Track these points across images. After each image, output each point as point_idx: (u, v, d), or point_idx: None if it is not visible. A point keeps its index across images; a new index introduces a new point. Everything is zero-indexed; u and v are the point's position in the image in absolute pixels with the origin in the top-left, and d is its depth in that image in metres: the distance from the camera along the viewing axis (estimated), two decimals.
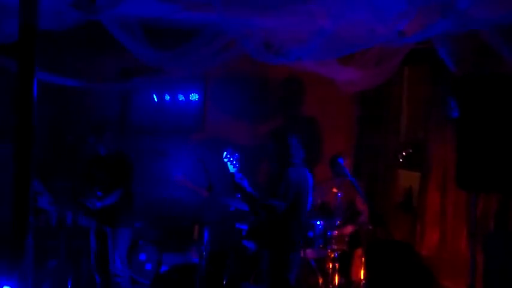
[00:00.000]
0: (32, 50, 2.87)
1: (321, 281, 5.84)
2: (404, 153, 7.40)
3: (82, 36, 5.56)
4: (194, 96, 7.71)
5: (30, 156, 2.85)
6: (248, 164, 6.46)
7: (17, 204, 2.82)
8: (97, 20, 4.53)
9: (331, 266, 5.85)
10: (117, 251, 5.85)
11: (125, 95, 7.77)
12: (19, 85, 2.85)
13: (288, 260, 4.75)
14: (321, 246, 5.88)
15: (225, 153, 4.68)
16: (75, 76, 5.88)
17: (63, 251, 6.20)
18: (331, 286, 5.84)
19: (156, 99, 7.70)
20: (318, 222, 5.88)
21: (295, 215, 4.77)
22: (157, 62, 5.11)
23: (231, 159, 4.67)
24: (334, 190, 6.07)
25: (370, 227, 6.12)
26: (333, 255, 5.85)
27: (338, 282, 5.86)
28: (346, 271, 6.10)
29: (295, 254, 4.84)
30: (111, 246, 5.85)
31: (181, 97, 7.72)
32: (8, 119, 3.04)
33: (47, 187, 6.18)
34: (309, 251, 5.90)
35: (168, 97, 7.72)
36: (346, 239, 5.94)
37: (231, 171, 4.68)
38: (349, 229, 6.09)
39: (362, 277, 5.86)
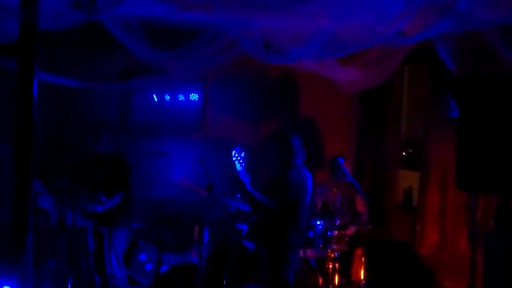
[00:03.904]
0: (32, 50, 2.87)
1: (321, 281, 5.84)
2: (404, 153, 7.41)
3: (82, 36, 5.55)
4: (194, 96, 7.71)
5: (30, 156, 2.85)
6: (248, 164, 6.48)
7: (17, 204, 2.82)
8: (97, 20, 4.53)
9: (331, 266, 5.85)
10: (113, 252, 5.85)
11: (125, 95, 7.77)
12: (19, 85, 2.85)
13: (286, 259, 4.74)
14: (321, 246, 5.88)
15: (234, 151, 4.69)
16: (75, 76, 5.88)
17: (63, 251, 6.20)
18: (331, 286, 5.84)
19: (156, 99, 7.70)
20: (318, 222, 5.88)
21: (293, 215, 4.76)
22: (157, 62, 5.12)
23: (239, 158, 4.68)
24: (334, 190, 6.07)
25: (370, 227, 6.12)
26: (333, 255, 5.85)
27: (338, 282, 5.86)
28: (346, 271, 6.11)
29: (293, 254, 4.83)
30: (107, 247, 5.85)
31: (181, 97, 7.72)
32: (8, 119, 3.04)
33: (47, 187, 6.18)
34: (309, 251, 5.90)
35: (168, 97, 7.72)
36: (346, 239, 5.95)
37: (238, 169, 4.69)
38: (351, 230, 6.09)
39: (362, 277, 5.86)
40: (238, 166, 4.67)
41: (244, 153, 4.67)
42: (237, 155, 4.67)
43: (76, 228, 6.14)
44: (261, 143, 5.21)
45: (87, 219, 5.92)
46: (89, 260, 6.05)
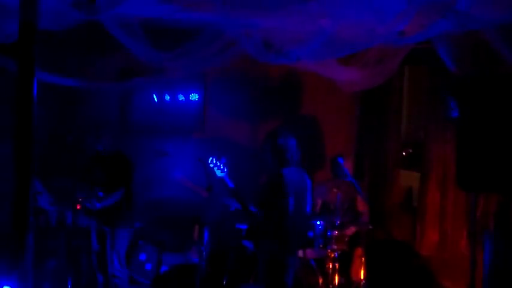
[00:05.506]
0: (32, 50, 2.86)
1: (321, 281, 5.84)
2: (404, 153, 7.42)
3: (82, 36, 5.56)
4: (194, 96, 7.71)
5: (30, 156, 2.84)
6: (248, 164, 6.48)
7: (17, 204, 2.82)
8: (97, 20, 4.53)
9: (331, 266, 5.85)
10: (115, 252, 5.85)
11: (124, 95, 7.77)
12: (19, 85, 2.85)
13: (284, 262, 4.69)
14: (321, 246, 5.88)
15: (211, 158, 4.68)
16: (75, 76, 5.87)
17: (63, 251, 6.20)
18: (331, 286, 5.84)
19: (156, 99, 7.71)
20: (318, 222, 5.88)
21: (288, 217, 4.69)
22: (157, 61, 5.11)
23: (218, 163, 4.66)
24: (334, 190, 6.07)
25: (370, 227, 6.13)
26: (333, 255, 5.85)
27: (338, 282, 5.86)
28: (346, 271, 6.11)
29: (291, 257, 4.78)
30: (109, 247, 5.85)
31: (181, 97, 7.72)
32: (8, 119, 3.04)
33: (47, 187, 6.18)
34: (309, 251, 5.90)
35: (168, 97, 7.72)
36: (346, 239, 5.95)
37: (219, 175, 4.68)
38: (351, 230, 6.09)
39: (362, 277, 5.86)
40: (218, 172, 4.66)
41: (225, 160, 4.65)
42: (215, 161, 4.66)
43: (77, 228, 6.15)
44: (261, 144, 5.20)
45: (89, 217, 5.92)
46: (92, 259, 6.06)
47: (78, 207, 5.87)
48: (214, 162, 4.67)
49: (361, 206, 6.36)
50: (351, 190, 6.09)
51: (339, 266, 5.87)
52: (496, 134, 3.82)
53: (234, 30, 4.77)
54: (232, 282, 6.12)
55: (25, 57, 2.87)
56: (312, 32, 4.75)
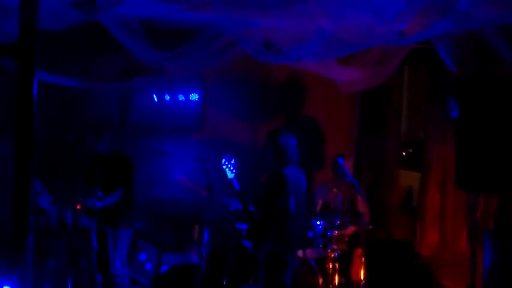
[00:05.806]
0: (32, 50, 2.86)
1: (321, 281, 5.84)
2: (404, 153, 7.42)
3: (82, 36, 5.56)
4: (194, 96, 7.71)
5: (30, 156, 2.84)
6: (248, 164, 6.48)
7: (17, 204, 2.82)
8: (97, 20, 4.53)
9: (331, 266, 5.85)
10: (117, 251, 5.85)
11: (125, 95, 7.78)
12: (19, 85, 2.85)
13: (284, 262, 4.69)
14: (321, 246, 5.88)
15: (224, 160, 4.69)
16: (75, 76, 5.88)
17: (63, 251, 6.21)
18: (331, 286, 5.84)
19: (156, 99, 7.71)
20: (318, 222, 5.88)
21: (291, 216, 4.69)
22: (157, 61, 5.12)
23: (229, 165, 4.67)
24: (334, 190, 6.07)
25: (370, 227, 6.13)
26: (333, 255, 5.85)
27: (338, 282, 5.87)
28: (346, 271, 6.11)
29: (291, 256, 4.78)
30: (111, 247, 5.85)
31: (181, 97, 7.73)
32: (8, 119, 3.04)
33: (47, 187, 6.18)
34: (309, 251, 5.90)
35: (168, 97, 7.72)
36: (346, 239, 5.95)
37: (230, 177, 4.69)
38: (350, 230, 6.09)
39: (362, 277, 5.86)
40: (229, 174, 4.67)
41: (235, 161, 4.67)
42: (227, 162, 4.68)
43: (77, 228, 6.15)
44: (261, 143, 5.21)
45: (90, 217, 5.92)
46: (92, 259, 6.06)
47: (78, 207, 5.87)
48: (226, 163, 4.68)
49: (361, 206, 6.36)
50: (351, 190, 6.08)
51: (339, 266, 5.87)
52: (496, 134, 3.82)
53: (234, 30, 4.77)
54: (232, 282, 6.12)
55: (25, 57, 2.87)
56: (312, 32, 4.74)
